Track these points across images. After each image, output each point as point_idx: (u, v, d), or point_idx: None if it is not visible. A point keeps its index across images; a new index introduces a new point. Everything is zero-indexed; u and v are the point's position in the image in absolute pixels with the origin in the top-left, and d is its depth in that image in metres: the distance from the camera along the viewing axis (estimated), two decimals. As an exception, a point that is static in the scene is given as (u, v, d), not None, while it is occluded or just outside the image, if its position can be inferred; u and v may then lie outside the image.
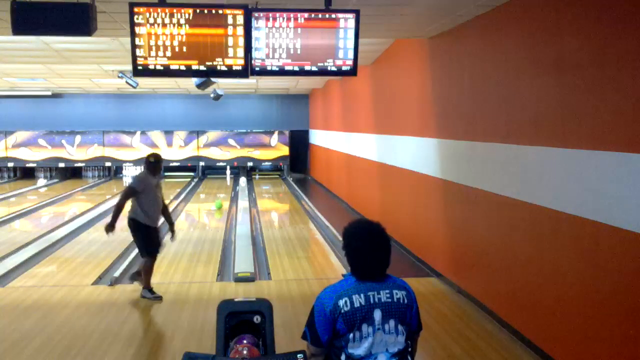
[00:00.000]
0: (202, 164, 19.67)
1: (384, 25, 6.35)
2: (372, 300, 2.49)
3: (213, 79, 10.67)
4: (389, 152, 9.27)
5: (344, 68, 4.89)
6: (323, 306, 2.50)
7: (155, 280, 7.16)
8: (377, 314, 2.48)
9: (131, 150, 19.22)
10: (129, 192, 6.19)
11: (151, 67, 4.71)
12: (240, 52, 4.75)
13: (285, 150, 19.74)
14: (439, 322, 5.60)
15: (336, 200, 14.05)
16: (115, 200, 6.12)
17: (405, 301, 2.54)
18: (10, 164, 19.01)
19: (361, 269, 2.53)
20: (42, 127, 18.80)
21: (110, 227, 6.15)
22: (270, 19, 4.72)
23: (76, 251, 8.83)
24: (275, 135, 19.66)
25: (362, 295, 2.49)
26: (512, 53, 5.10)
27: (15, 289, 6.76)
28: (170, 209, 12.83)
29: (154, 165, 6.25)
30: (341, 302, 2.47)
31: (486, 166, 5.65)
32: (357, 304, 2.47)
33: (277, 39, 4.76)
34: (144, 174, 6.29)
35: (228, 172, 20.29)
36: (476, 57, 5.87)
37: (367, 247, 2.53)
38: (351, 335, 2.47)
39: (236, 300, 3.81)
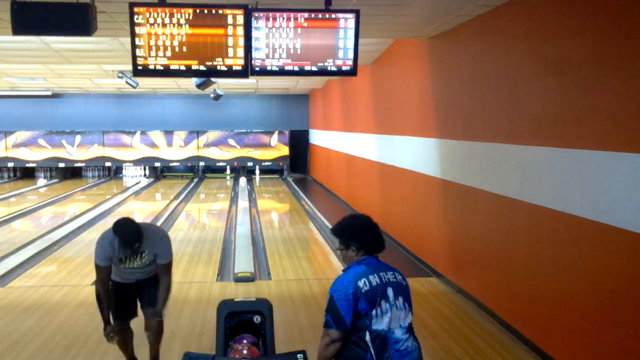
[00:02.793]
0: (202, 164, 19.67)
1: (384, 25, 6.35)
2: (384, 279, 2.77)
3: (213, 79, 10.67)
4: (389, 152, 9.27)
5: (344, 68, 4.89)
6: (344, 290, 2.70)
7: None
8: (390, 292, 2.77)
9: (131, 150, 19.22)
10: (97, 271, 4.14)
11: (151, 67, 4.71)
12: (240, 52, 4.75)
13: (285, 150, 19.73)
14: (439, 322, 5.60)
15: (336, 200, 14.05)
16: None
17: (404, 282, 2.86)
18: (10, 164, 19.00)
19: (371, 242, 2.85)
20: (42, 127, 18.79)
21: (108, 329, 4.09)
22: (270, 19, 4.72)
23: (76, 251, 8.83)
24: (275, 135, 19.66)
25: (376, 275, 2.77)
26: (512, 53, 5.10)
27: (15, 289, 6.76)
28: (171, 209, 13.03)
29: (119, 235, 3.94)
30: (360, 283, 2.71)
31: (486, 166, 5.65)
32: (374, 283, 2.74)
33: (277, 39, 4.76)
34: (115, 238, 4.01)
35: (228, 172, 20.30)
36: (476, 57, 5.87)
37: (369, 223, 2.90)
38: (374, 311, 2.71)
39: (236, 300, 3.81)
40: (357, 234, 2.87)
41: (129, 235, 3.92)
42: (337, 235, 2.95)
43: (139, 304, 4.42)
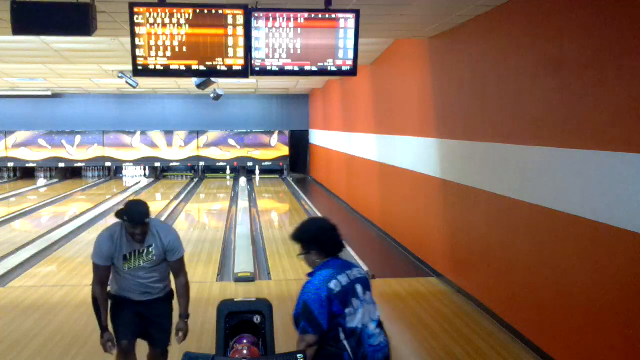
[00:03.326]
0: (202, 164, 19.67)
1: (384, 25, 6.35)
2: (351, 277, 2.86)
3: (213, 79, 10.67)
4: (389, 152, 9.27)
5: (344, 68, 4.89)
6: (317, 294, 2.76)
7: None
8: (359, 288, 2.85)
9: (131, 150, 19.22)
10: (95, 272, 3.72)
11: (151, 67, 4.71)
12: (240, 52, 4.75)
13: (285, 150, 19.73)
14: (439, 322, 5.60)
15: (336, 200, 14.05)
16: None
17: (367, 276, 2.97)
18: (10, 164, 19.00)
19: (331, 244, 2.94)
20: (42, 127, 18.79)
21: (106, 337, 3.72)
22: (270, 19, 4.72)
23: (76, 251, 8.83)
24: (275, 135, 19.66)
25: (344, 274, 2.85)
26: (512, 53, 5.10)
27: (15, 289, 6.76)
28: (171, 209, 13.02)
29: (129, 210, 3.58)
30: (332, 285, 2.78)
31: (486, 166, 5.65)
32: (344, 282, 2.82)
33: (277, 39, 4.76)
34: (115, 231, 3.68)
35: (228, 172, 20.30)
36: (476, 57, 5.87)
37: (327, 225, 2.99)
38: (347, 310, 2.77)
39: (236, 300, 3.81)
40: (317, 237, 2.95)
41: (139, 208, 3.56)
42: (297, 240, 3.01)
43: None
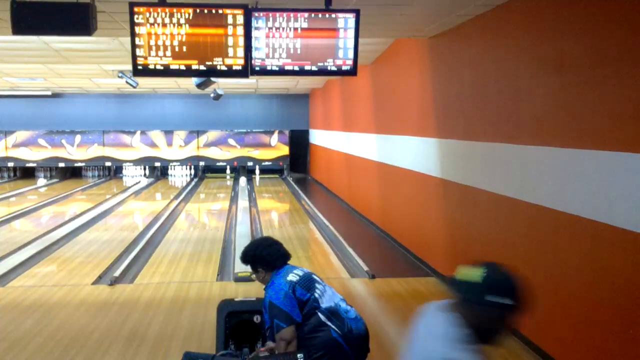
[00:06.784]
0: (202, 163, 19.67)
1: (384, 25, 6.35)
2: (305, 271, 3.21)
3: (213, 79, 10.66)
4: (389, 152, 9.27)
5: (344, 68, 4.89)
6: (281, 290, 3.00)
7: (155, 280, 7.17)
8: (315, 276, 3.21)
9: (131, 150, 19.22)
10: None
11: (151, 67, 4.71)
12: (240, 51, 4.75)
13: (285, 150, 19.73)
14: (439, 322, 5.59)
15: (336, 200, 14.05)
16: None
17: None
18: (10, 164, 18.99)
19: (274, 259, 3.21)
20: (42, 127, 18.79)
21: None
22: (270, 18, 4.72)
23: (76, 251, 8.83)
24: (275, 135, 19.66)
25: (298, 269, 3.20)
26: (512, 53, 5.10)
27: (15, 289, 6.76)
28: (171, 208, 13.02)
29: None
30: (290, 277, 3.08)
31: (486, 166, 5.65)
32: (301, 273, 3.15)
33: (277, 39, 4.76)
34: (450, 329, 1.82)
35: (228, 171, 20.30)
36: (476, 57, 5.87)
37: (267, 242, 3.31)
38: (316, 293, 3.05)
39: (236, 300, 3.82)
40: (259, 257, 3.21)
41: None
42: (244, 263, 3.26)
43: None
